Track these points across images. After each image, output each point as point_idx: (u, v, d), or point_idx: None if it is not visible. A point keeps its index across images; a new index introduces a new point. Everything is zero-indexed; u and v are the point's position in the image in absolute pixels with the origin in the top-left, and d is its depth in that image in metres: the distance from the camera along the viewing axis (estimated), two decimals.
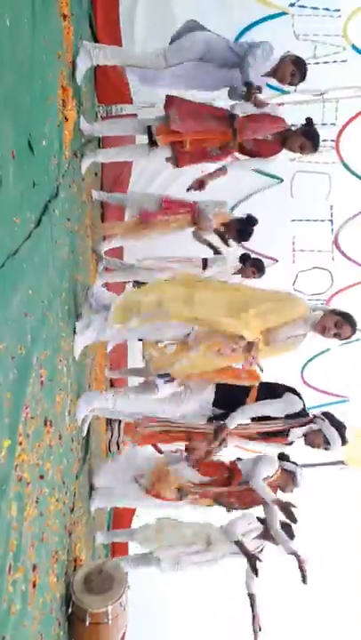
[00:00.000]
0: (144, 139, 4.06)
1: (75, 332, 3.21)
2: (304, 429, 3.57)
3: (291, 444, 3.67)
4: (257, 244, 5.78)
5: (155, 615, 5.43)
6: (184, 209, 4.63)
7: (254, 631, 3.96)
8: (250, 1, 4.69)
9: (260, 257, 5.34)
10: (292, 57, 3.77)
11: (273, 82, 3.98)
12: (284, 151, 4.07)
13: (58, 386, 2.75)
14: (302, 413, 3.59)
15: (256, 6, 4.71)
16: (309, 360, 6.06)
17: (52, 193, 2.78)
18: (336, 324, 3.28)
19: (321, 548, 5.91)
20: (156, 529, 4.28)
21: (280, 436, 3.64)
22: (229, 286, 3.66)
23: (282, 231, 5.78)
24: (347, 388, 6.18)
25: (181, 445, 3.85)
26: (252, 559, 3.77)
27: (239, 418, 3.49)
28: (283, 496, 3.80)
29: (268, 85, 4.13)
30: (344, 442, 3.57)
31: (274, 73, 3.77)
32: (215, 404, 3.65)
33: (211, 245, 4.78)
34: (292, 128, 3.89)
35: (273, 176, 5.60)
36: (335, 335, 3.32)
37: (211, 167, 4.23)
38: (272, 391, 3.64)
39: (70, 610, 2.80)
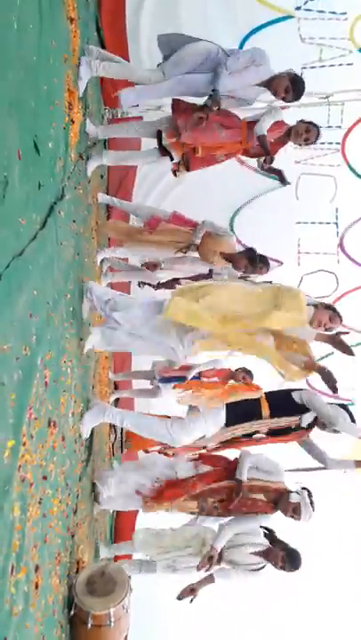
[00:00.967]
0: (151, 142, 4.08)
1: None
2: (315, 414, 3.56)
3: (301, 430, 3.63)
4: (262, 246, 5.79)
5: (157, 618, 5.42)
6: (189, 226, 4.62)
7: None
8: (255, 5, 4.70)
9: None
10: (291, 74, 3.70)
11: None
12: (289, 154, 4.08)
13: (62, 387, 2.76)
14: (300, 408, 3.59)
15: (262, 10, 4.72)
16: None
17: (58, 195, 2.79)
18: (330, 318, 3.34)
19: (325, 550, 5.89)
20: (157, 535, 4.26)
21: (286, 433, 3.62)
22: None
23: (287, 233, 5.78)
24: (352, 391, 6.16)
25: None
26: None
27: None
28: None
29: None
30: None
31: (269, 84, 3.69)
32: (228, 424, 3.60)
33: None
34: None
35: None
36: (327, 330, 3.36)
37: (209, 172, 4.23)
38: (280, 397, 3.65)
39: (72, 612, 2.79)
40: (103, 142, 4.54)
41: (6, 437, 1.84)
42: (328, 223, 5.75)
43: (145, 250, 4.78)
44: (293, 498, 3.63)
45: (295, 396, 3.63)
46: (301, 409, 3.56)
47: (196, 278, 5.02)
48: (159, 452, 4.60)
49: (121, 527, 5.26)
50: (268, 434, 3.63)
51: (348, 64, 4.91)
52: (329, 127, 5.21)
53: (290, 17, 4.74)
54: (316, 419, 3.56)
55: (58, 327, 2.69)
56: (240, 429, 3.58)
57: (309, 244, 5.86)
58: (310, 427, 3.59)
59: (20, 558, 1.94)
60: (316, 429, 3.62)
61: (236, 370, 5.29)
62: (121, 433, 5.58)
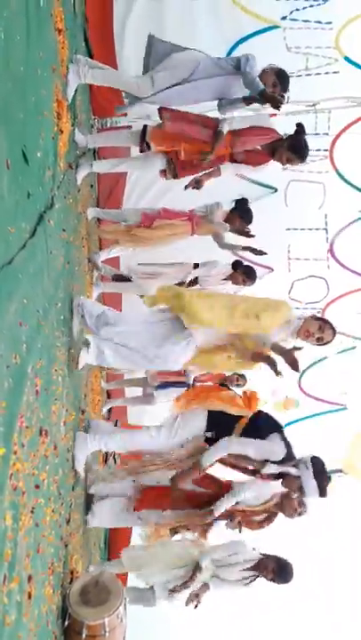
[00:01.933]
0: (140, 153, 4.10)
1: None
2: (281, 468, 3.42)
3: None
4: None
5: (153, 627, 5.38)
6: (182, 218, 4.65)
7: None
8: (242, 15, 4.76)
9: (255, 266, 5.38)
10: (274, 68, 3.80)
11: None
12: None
13: (53, 396, 2.75)
14: (286, 458, 3.41)
15: (248, 20, 4.78)
16: (307, 368, 6.06)
17: (47, 204, 2.80)
18: (320, 327, 3.35)
19: (320, 554, 5.89)
20: (144, 551, 4.20)
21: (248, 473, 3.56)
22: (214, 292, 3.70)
23: (277, 240, 5.81)
24: (344, 395, 6.19)
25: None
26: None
27: (218, 454, 3.40)
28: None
29: None
30: (323, 494, 3.39)
31: None
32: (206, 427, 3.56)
33: (233, 247, 4.84)
34: (283, 137, 3.91)
35: (267, 185, 5.65)
36: (318, 339, 3.36)
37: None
38: (261, 427, 3.49)
39: (67, 622, 2.77)
40: (93, 152, 4.56)
41: None
42: (318, 229, 5.80)
43: (139, 246, 4.79)
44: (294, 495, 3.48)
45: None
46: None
47: (188, 285, 5.07)
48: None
49: (115, 540, 5.22)
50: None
51: (335, 72, 4.98)
52: (316, 134, 5.27)
53: (276, 27, 4.80)
54: (280, 473, 3.42)
55: (48, 335, 2.69)
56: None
57: (299, 250, 5.91)
58: (270, 477, 3.45)
59: (12, 568, 1.93)
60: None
61: (232, 374, 5.31)
62: None
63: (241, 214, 4.71)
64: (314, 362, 6.06)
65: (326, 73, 4.98)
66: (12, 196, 2.09)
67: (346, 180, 5.55)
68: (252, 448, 3.39)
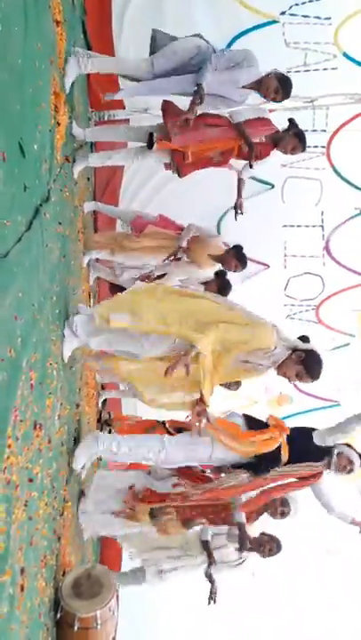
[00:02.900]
0: (137, 144, 4.07)
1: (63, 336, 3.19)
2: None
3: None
4: (249, 249, 5.82)
5: (145, 620, 5.41)
6: (177, 231, 4.62)
7: None
8: (240, 10, 4.73)
9: (251, 262, 5.37)
10: (278, 74, 3.75)
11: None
12: (276, 157, 4.11)
13: (48, 389, 2.75)
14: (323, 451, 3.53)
15: (246, 15, 4.75)
16: None
17: (44, 197, 2.79)
18: (298, 374, 3.22)
19: (316, 554, 5.93)
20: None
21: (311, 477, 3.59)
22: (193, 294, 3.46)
23: (273, 237, 5.83)
24: (338, 392, 6.22)
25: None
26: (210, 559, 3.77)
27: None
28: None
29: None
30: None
31: (258, 86, 3.75)
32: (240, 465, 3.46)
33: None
34: (281, 130, 3.94)
35: (264, 182, 5.64)
36: (297, 377, 3.24)
37: (201, 173, 4.24)
38: (301, 438, 3.53)
39: (59, 615, 2.79)
40: (90, 145, 4.55)
41: None
42: (314, 226, 5.80)
43: (131, 259, 4.77)
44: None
45: (316, 438, 3.53)
46: (323, 452, 3.50)
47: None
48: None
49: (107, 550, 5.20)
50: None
51: (333, 68, 4.96)
52: (314, 131, 5.26)
53: (274, 22, 4.78)
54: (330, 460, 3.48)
55: (43, 329, 2.69)
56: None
57: (295, 246, 5.91)
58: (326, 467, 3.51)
59: (5, 560, 1.94)
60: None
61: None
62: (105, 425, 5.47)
63: (238, 257, 4.59)
64: None
65: (325, 69, 4.96)
66: (7, 189, 2.09)
67: (342, 177, 5.55)
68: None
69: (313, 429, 3.61)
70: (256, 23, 4.77)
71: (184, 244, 4.45)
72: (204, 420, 3.13)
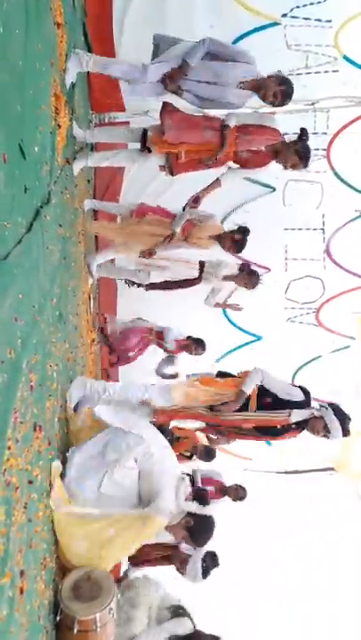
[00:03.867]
0: (137, 145, 4.06)
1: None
2: (306, 414, 3.57)
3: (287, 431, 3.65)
4: (250, 252, 5.81)
5: None
6: (170, 217, 4.62)
7: None
8: (242, 11, 4.73)
9: (253, 266, 5.38)
10: (279, 77, 3.65)
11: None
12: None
13: (48, 391, 2.75)
14: (306, 402, 3.62)
15: (248, 17, 4.76)
16: (301, 367, 6.09)
17: (44, 199, 2.79)
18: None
19: (312, 553, 5.91)
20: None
21: (275, 433, 3.65)
22: None
23: (275, 240, 5.82)
24: (338, 394, 6.21)
25: None
26: None
27: (254, 380, 3.65)
28: None
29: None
30: (346, 433, 3.57)
31: (257, 88, 3.65)
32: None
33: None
34: (286, 140, 3.82)
35: (266, 185, 5.64)
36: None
37: (204, 174, 4.23)
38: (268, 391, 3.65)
39: (58, 617, 2.77)
40: (90, 147, 4.55)
41: None
42: (315, 229, 5.80)
43: (133, 246, 4.74)
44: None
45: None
46: (292, 404, 3.57)
47: (185, 282, 5.03)
48: None
49: None
50: (256, 430, 3.64)
51: (334, 71, 4.97)
52: (315, 133, 5.26)
53: (276, 24, 4.78)
54: (306, 419, 3.56)
55: (44, 331, 2.68)
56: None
57: (297, 250, 5.91)
58: (300, 425, 3.59)
59: (4, 563, 1.93)
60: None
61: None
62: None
63: (237, 241, 4.55)
64: (308, 361, 6.08)
65: (326, 72, 4.97)
66: (8, 191, 2.09)
67: (343, 180, 5.55)
68: (278, 385, 3.63)
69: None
70: (258, 25, 4.77)
71: (178, 230, 4.42)
72: None
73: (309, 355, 5.90)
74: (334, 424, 3.52)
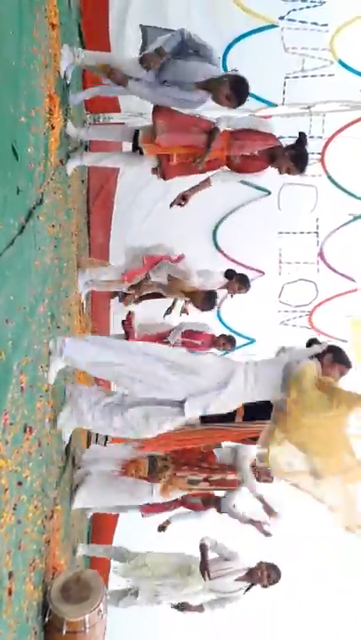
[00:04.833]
0: (131, 146, 4.06)
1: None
2: None
3: None
4: (244, 256, 5.84)
5: (135, 623, 5.38)
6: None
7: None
8: (239, 13, 4.74)
9: (247, 270, 5.42)
10: (231, 76, 3.51)
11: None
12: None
13: (39, 393, 2.74)
14: None
15: (246, 19, 4.77)
16: None
17: (37, 200, 2.79)
18: None
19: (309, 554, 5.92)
20: (138, 564, 4.21)
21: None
22: None
23: (269, 244, 5.83)
24: None
25: None
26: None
27: None
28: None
29: (253, 96, 4.12)
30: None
31: (207, 87, 3.52)
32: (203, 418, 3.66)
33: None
34: (282, 145, 3.78)
35: (261, 188, 5.65)
36: None
37: (199, 179, 4.22)
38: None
39: (47, 619, 2.77)
40: (84, 147, 4.54)
41: None
42: (309, 233, 5.81)
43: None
44: None
45: None
46: None
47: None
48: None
49: (98, 527, 5.23)
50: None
51: (330, 75, 4.98)
52: (311, 137, 5.26)
53: (273, 26, 4.79)
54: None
55: (35, 332, 2.68)
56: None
57: (290, 253, 5.92)
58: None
59: None
60: None
61: (220, 335, 5.31)
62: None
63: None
64: None
65: (322, 75, 4.98)
66: (0, 192, 2.08)
67: (336, 184, 5.56)
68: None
69: None
70: (255, 27, 4.78)
71: (154, 278, 4.62)
72: None
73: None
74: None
